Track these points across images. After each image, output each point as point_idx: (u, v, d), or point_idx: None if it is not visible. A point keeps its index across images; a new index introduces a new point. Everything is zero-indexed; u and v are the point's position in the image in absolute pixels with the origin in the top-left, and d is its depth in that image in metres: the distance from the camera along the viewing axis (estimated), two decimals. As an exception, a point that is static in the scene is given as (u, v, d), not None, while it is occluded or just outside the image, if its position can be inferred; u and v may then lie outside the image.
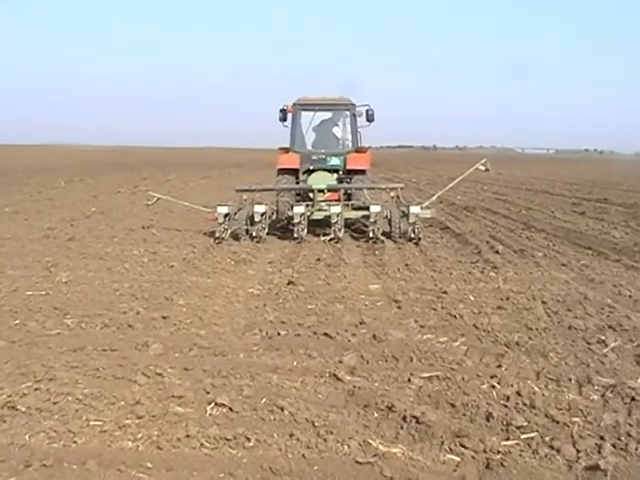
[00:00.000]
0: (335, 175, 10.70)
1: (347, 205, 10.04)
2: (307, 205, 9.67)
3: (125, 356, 4.21)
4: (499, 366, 4.08)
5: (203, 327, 4.92)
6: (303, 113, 10.93)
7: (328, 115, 11.40)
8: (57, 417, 3.28)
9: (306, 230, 9.42)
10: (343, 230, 9.38)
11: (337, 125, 11.48)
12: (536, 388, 3.67)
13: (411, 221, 9.24)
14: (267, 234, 9.53)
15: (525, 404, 3.45)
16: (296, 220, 9.20)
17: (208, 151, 79.12)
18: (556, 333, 4.76)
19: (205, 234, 9.90)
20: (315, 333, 4.75)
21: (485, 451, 2.95)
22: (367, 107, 10.59)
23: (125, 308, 5.42)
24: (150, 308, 5.44)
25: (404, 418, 3.28)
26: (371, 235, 9.18)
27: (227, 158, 50.65)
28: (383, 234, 9.30)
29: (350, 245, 9.27)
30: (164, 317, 5.14)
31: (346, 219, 9.74)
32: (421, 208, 9.49)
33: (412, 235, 9.26)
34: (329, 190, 10.13)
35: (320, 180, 10.30)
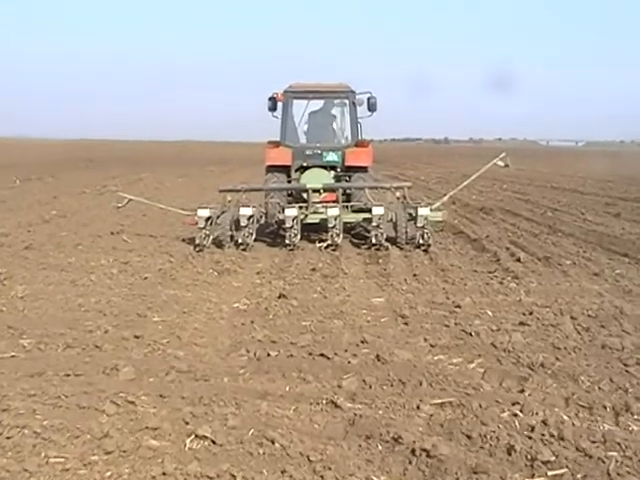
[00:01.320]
0: (332, 173, 10.76)
1: (346, 207, 10.09)
2: (300, 207, 9.72)
3: (91, 382, 4.22)
4: (522, 391, 4.10)
5: (181, 347, 4.94)
6: (295, 102, 11.05)
7: (324, 104, 11.46)
8: (11, 454, 3.26)
9: (299, 236, 9.48)
10: (342, 235, 9.45)
11: (334, 115, 11.55)
12: (565, 417, 3.69)
13: (419, 225, 9.30)
14: (255, 240, 9.59)
15: (552, 435, 3.45)
16: (288, 224, 9.26)
17: (187, 146, 79.26)
18: (588, 353, 4.79)
19: (184, 241, 9.96)
20: (310, 354, 4.79)
21: (506, 490, 3.00)
22: (368, 95, 10.68)
23: (91, 326, 5.44)
24: (120, 326, 5.46)
25: (413, 451, 3.30)
26: (374, 241, 9.24)
27: (209, 154, 50.78)
28: (387, 240, 9.36)
29: (350, 253, 9.31)
30: (136, 336, 5.16)
31: (345, 223, 9.84)
32: (431, 210, 9.52)
33: (421, 241, 9.32)
34: (325, 190, 10.18)
35: (315, 179, 10.36)
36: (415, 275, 7.60)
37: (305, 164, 10.71)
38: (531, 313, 5.85)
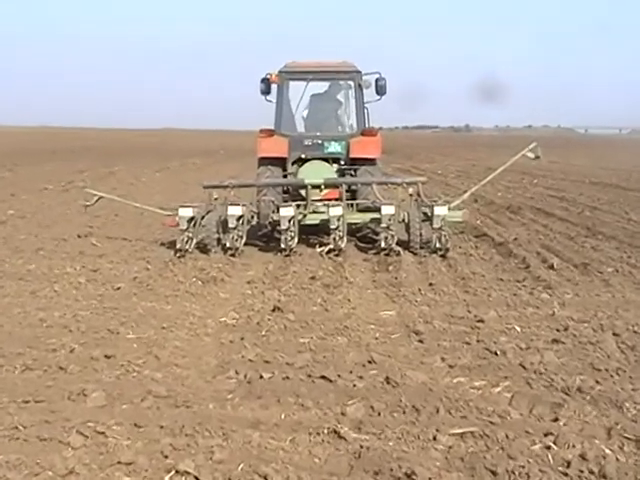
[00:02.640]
0: (335, 166, 10.78)
1: (351, 206, 10.10)
2: (298, 206, 9.72)
3: (54, 409, 4.20)
4: (555, 420, 4.09)
5: (160, 369, 4.95)
6: (292, 84, 11.09)
7: (326, 86, 11.49)
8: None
9: (297, 239, 9.50)
10: (346, 239, 9.45)
11: (337, 100, 11.57)
12: (607, 450, 3.67)
13: (436, 226, 9.31)
14: (245, 244, 9.61)
15: (592, 472, 3.45)
16: (284, 226, 9.28)
17: (167, 135, 79.52)
18: (633, 376, 4.78)
19: (163, 245, 9.99)
20: (309, 376, 4.81)
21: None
22: (377, 75, 10.70)
23: (55, 345, 5.44)
24: (89, 344, 5.46)
25: (428, 490, 3.28)
26: (383, 245, 9.29)
27: (192, 144, 50.93)
28: (399, 244, 9.39)
29: (355, 259, 9.36)
30: (107, 356, 5.17)
31: (350, 224, 9.81)
32: (449, 209, 9.53)
33: (437, 245, 9.34)
34: (327, 186, 10.18)
35: (315, 173, 10.37)
36: (431, 284, 7.63)
37: (304, 156, 10.73)
38: (566, 329, 5.85)
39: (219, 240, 9.53)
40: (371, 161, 10.70)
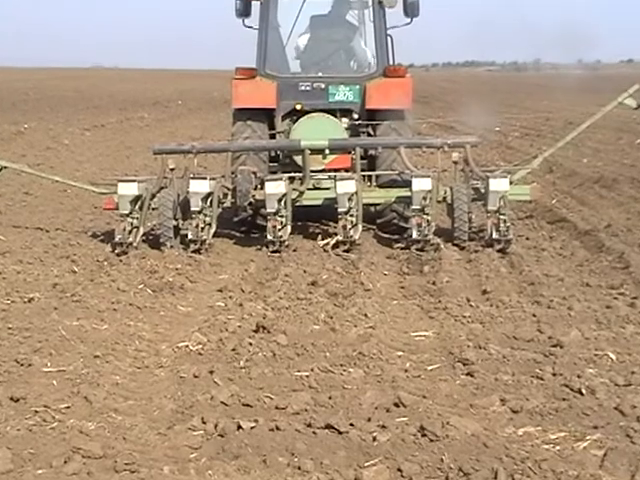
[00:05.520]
0: (345, 122, 10.79)
1: (369, 179, 10.22)
2: (292, 180, 9.78)
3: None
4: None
5: (92, 416, 4.95)
6: (282, 0, 11.06)
7: (331, 3, 11.50)
8: None
9: (290, 227, 9.56)
10: (361, 227, 9.50)
11: (348, 24, 11.57)
12: None
13: (492, 208, 9.37)
14: (215, 235, 9.68)
15: None
16: (271, 208, 9.33)
17: (99, 77, 78.86)
18: None
19: (95, 237, 10.00)
20: (309, 425, 4.82)
21: None
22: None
23: None
24: (-12, 380, 5.43)
25: None
26: (415, 236, 9.34)
27: (137, 90, 50.41)
28: (437, 234, 9.45)
29: (375, 256, 9.42)
30: (14, 399, 5.16)
31: (366, 206, 9.81)
32: (511, 182, 9.58)
33: (494, 235, 9.39)
34: (333, 150, 10.25)
35: (316, 132, 10.38)
36: (485, 292, 7.71)
37: (299, 107, 10.76)
38: (684, 357, 5.82)
39: (177, 229, 9.59)
40: (398, 114, 10.71)
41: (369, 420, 4.85)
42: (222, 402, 5.16)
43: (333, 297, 7.58)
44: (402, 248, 9.55)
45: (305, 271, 8.52)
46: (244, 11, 10.86)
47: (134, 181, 9.51)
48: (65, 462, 4.37)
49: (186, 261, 8.90)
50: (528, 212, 11.13)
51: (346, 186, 9.31)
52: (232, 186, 10.15)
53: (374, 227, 10.52)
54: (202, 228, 9.42)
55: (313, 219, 10.58)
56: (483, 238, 9.53)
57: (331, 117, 10.73)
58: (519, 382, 5.46)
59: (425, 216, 9.30)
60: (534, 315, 6.97)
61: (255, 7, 10.81)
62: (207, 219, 9.50)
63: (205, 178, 9.53)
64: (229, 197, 10.17)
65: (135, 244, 9.33)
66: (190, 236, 9.38)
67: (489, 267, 8.64)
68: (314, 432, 4.73)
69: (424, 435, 4.61)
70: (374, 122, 10.77)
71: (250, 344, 6.22)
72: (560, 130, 20.41)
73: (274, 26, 11.06)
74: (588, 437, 4.64)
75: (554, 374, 5.58)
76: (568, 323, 6.71)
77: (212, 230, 9.57)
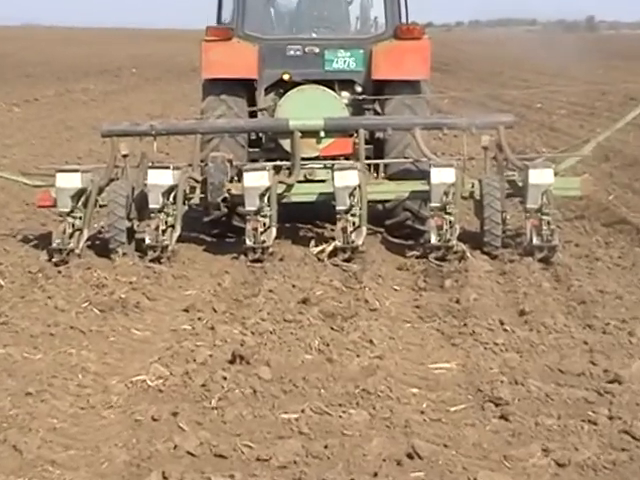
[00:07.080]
0: (346, 96, 10.53)
1: (375, 169, 10.11)
2: (278, 170, 9.83)
3: None
4: None
5: (22, 470, 4.88)
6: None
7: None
8: None
9: (275, 230, 9.30)
10: (365, 230, 9.29)
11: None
12: None
13: (532, 206, 9.10)
14: (180, 240, 9.55)
15: None
16: (251, 206, 9.11)
17: (33, 37, 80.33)
18: None
19: (28, 242, 9.96)
20: (299, 482, 4.74)
21: None
22: None
23: None
24: None
25: None
26: (433, 241, 9.12)
27: (80, 55, 51.40)
28: (462, 238, 9.19)
29: (382, 265, 9.28)
30: None
31: (372, 203, 9.68)
32: (556, 174, 9.35)
33: (535, 240, 9.11)
34: (330, 132, 10.01)
35: (309, 108, 10.11)
36: (523, 313, 7.60)
37: (287, 77, 10.38)
38: None
39: (132, 232, 9.42)
40: (412, 86, 10.33)
41: (375, 475, 4.79)
42: (188, 452, 5.06)
43: (330, 319, 7.41)
44: (417, 257, 9.36)
45: (294, 286, 8.36)
46: None
47: (76, 171, 9.26)
48: None
49: (143, 273, 8.69)
50: (578, 211, 11.00)
51: (346, 178, 9.11)
52: (202, 177, 9.85)
53: (382, 230, 10.37)
54: (163, 231, 9.19)
55: (304, 220, 10.48)
56: (521, 244, 9.32)
57: (328, 90, 10.38)
58: (566, 427, 5.37)
59: (447, 216, 9.06)
60: (585, 343, 6.89)
61: None
62: (170, 219, 9.25)
63: (167, 167, 9.33)
64: (198, 191, 9.89)
65: (78, 251, 9.08)
66: (148, 241, 9.14)
67: (528, 281, 8.46)
68: (306, 495, 4.61)
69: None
70: (382, 97, 10.44)
71: (224, 378, 6.08)
72: (618, 107, 20.70)
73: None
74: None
75: (610, 417, 5.49)
76: (628, 353, 6.65)
77: (176, 233, 9.29)
